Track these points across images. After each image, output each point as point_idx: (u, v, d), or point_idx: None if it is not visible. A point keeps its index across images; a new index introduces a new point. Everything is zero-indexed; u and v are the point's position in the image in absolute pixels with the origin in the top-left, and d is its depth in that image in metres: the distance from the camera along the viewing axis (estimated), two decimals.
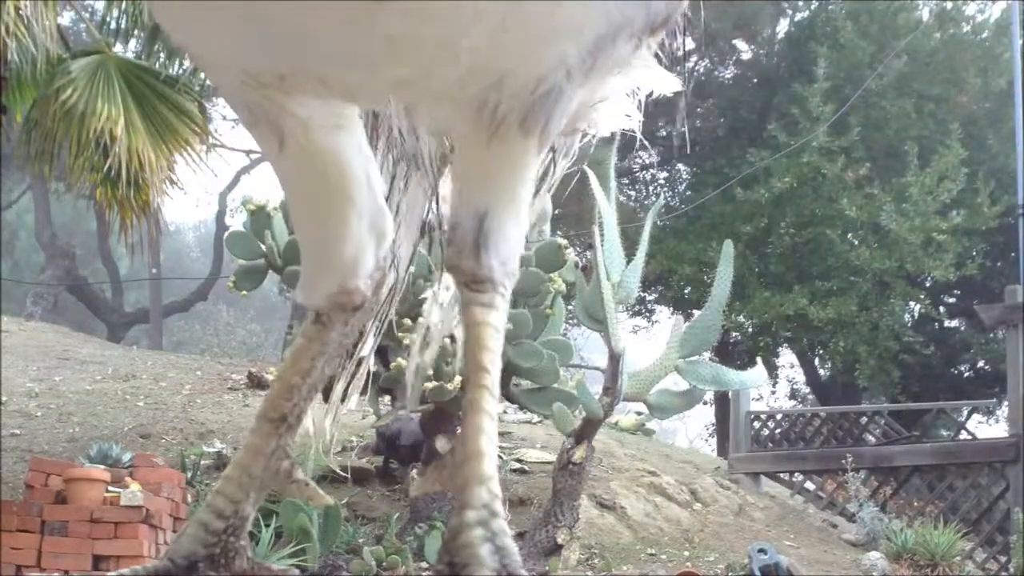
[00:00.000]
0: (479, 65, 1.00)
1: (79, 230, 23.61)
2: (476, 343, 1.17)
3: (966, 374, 17.89)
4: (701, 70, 17.39)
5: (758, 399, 14.95)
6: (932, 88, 15.55)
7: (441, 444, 7.19)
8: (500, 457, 4.86)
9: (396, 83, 1.06)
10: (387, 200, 1.38)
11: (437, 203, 1.56)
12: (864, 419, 12.17)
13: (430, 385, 6.63)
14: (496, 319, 1.17)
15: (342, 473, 7.21)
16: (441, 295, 1.77)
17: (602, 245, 6.57)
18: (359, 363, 1.74)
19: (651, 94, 1.49)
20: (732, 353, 16.41)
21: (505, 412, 10.16)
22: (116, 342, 17.31)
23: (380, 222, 1.25)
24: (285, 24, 0.97)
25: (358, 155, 1.20)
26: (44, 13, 6.58)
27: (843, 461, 10.02)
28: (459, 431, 1.21)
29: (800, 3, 17.80)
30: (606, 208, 6.66)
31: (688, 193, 17.99)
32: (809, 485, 10.97)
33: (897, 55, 15.14)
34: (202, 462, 8.08)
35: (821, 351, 16.90)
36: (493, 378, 1.15)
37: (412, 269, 1.78)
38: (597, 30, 1.02)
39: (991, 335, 15.34)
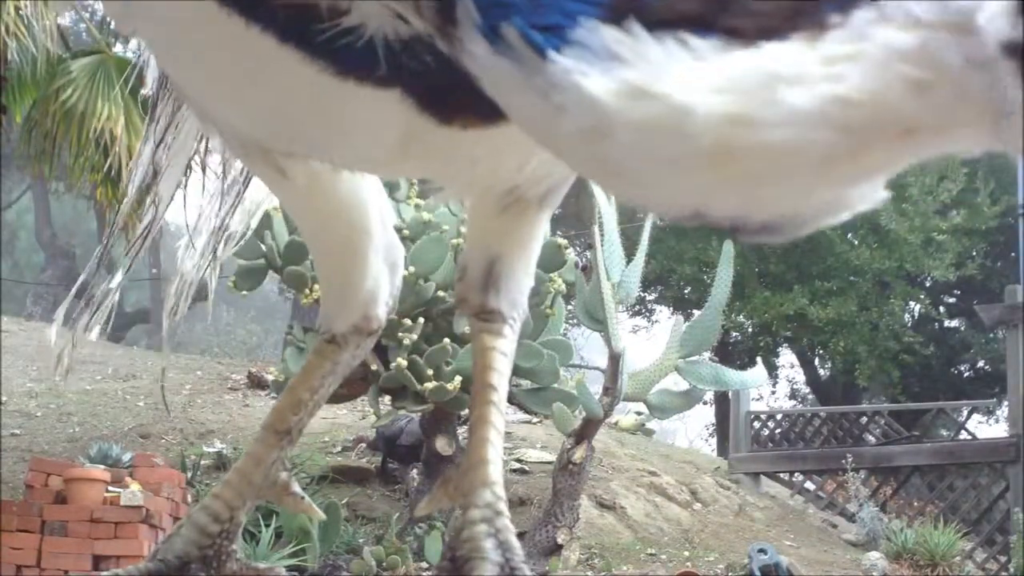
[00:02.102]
0: (542, 173, 1.08)
1: (79, 230, 23.59)
2: (484, 365, 1.25)
3: (966, 374, 17.88)
4: None
5: (758, 399, 14.94)
6: None
7: (441, 444, 7.18)
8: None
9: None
10: (161, 142, 1.44)
11: (206, 148, 1.63)
12: (864, 419, 12.17)
13: (430, 385, 6.62)
14: (503, 345, 1.26)
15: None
16: (197, 242, 1.85)
17: (602, 245, 6.57)
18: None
19: None
20: (732, 353, 16.39)
21: (505, 412, 10.15)
22: (116, 342, 17.29)
23: (393, 254, 1.30)
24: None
25: (373, 192, 1.26)
26: (44, 13, 6.58)
27: (843, 461, 10.01)
28: (467, 441, 1.26)
29: None
30: (606, 208, 6.66)
31: None
32: (809, 485, 10.97)
33: None
34: (202, 462, 8.08)
35: (821, 351, 16.90)
36: (500, 395, 1.25)
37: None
38: None
39: (991, 335, 15.35)
